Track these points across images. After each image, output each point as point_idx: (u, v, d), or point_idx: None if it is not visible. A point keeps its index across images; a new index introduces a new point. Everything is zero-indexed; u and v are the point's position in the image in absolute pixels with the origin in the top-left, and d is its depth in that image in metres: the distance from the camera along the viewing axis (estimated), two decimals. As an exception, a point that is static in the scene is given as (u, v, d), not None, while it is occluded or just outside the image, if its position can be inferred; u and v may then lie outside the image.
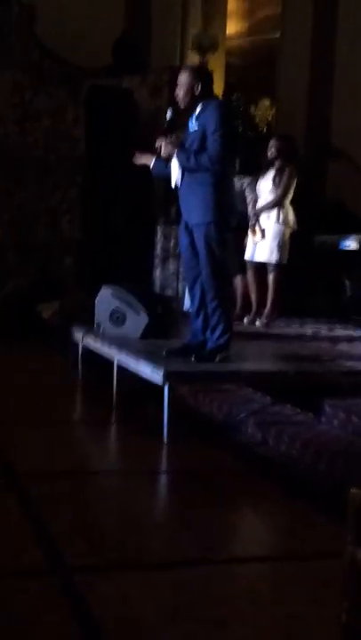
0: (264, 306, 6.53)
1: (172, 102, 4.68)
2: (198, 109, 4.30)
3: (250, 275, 6.64)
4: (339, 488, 2.55)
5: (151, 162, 4.51)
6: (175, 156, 4.31)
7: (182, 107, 4.37)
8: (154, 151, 4.44)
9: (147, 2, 9.98)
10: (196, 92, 4.29)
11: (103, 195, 8.19)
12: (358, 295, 6.82)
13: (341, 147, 9.46)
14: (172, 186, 4.44)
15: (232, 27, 11.98)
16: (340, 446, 3.58)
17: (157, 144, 4.37)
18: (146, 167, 4.57)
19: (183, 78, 4.32)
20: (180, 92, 4.32)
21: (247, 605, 2.29)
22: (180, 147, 4.33)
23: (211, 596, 2.33)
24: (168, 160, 4.39)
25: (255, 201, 6.60)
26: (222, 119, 4.23)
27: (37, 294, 7.59)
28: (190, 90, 4.29)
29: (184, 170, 4.31)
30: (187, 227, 4.43)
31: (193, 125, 4.31)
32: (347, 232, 7.37)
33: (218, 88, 9.24)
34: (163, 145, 4.33)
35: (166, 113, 4.51)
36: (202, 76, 4.37)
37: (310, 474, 3.44)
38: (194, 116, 4.32)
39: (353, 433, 3.79)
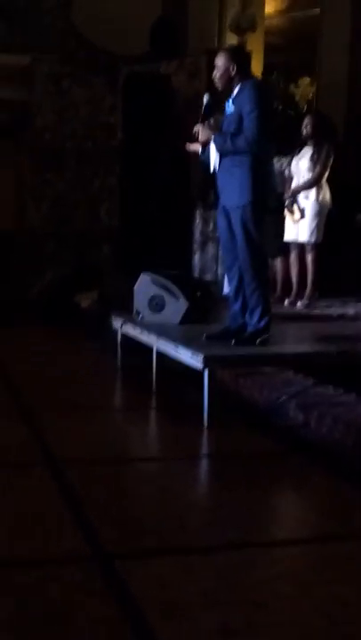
0: (305, 287, 6.47)
1: (211, 86, 4.65)
2: (236, 91, 4.27)
3: (292, 256, 6.57)
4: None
5: (199, 148, 4.47)
6: (212, 140, 4.27)
7: (220, 89, 4.34)
8: (194, 137, 4.41)
9: (184, -16, 9.90)
10: (233, 74, 4.25)
11: (141, 182, 8.18)
12: None
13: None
14: (210, 171, 4.42)
15: (270, 5, 11.81)
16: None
17: (195, 129, 4.35)
18: (194, 153, 4.57)
19: (219, 60, 4.30)
20: (217, 75, 4.30)
21: (288, 588, 2.27)
22: (218, 130, 4.30)
23: (251, 580, 2.32)
24: (206, 145, 4.37)
25: (291, 180, 6.51)
26: (258, 99, 4.19)
27: (76, 283, 7.63)
28: (227, 72, 4.26)
29: (222, 153, 4.28)
30: (224, 210, 4.40)
31: (230, 108, 4.28)
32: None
33: (257, 68, 9.13)
34: (200, 130, 4.32)
35: (203, 97, 4.49)
36: (238, 57, 4.35)
37: (353, 455, 3.39)
38: (231, 99, 4.28)
39: None
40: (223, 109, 4.39)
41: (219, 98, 4.46)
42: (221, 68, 4.27)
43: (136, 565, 2.41)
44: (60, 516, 2.78)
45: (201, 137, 4.33)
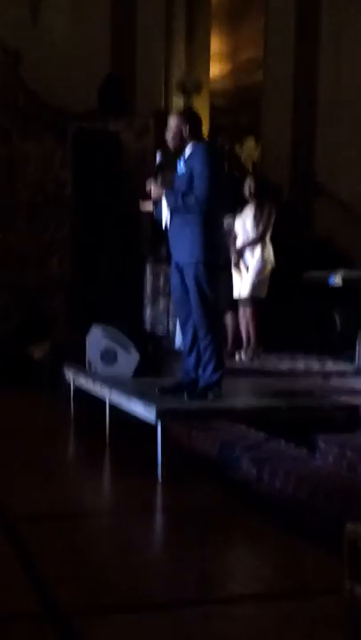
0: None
1: (160, 145, 4.76)
2: (187, 152, 4.38)
3: (241, 311, 6.67)
4: (335, 524, 2.53)
5: (152, 207, 4.55)
6: (164, 197, 4.36)
7: (172, 149, 4.45)
8: (146, 195, 4.49)
9: (132, 45, 10.14)
10: (185, 135, 4.37)
11: (92, 235, 8.24)
12: (348, 330, 6.83)
13: (327, 184, 9.58)
14: (163, 227, 4.49)
15: (216, 69, 12.19)
16: (335, 482, 3.55)
17: (147, 187, 4.43)
18: (148, 212, 4.65)
19: (173, 122, 4.41)
20: (170, 136, 4.41)
21: (247, 645, 2.25)
22: (170, 187, 4.38)
23: (209, 636, 2.30)
24: (158, 201, 4.45)
25: (235, 238, 6.68)
26: (209, 161, 4.30)
27: (28, 335, 7.57)
28: (179, 133, 4.38)
29: (173, 211, 4.36)
30: (177, 266, 4.46)
31: (181, 168, 4.38)
32: (336, 268, 7.42)
33: (203, 129, 9.36)
34: (152, 187, 4.40)
35: (156, 155, 4.58)
36: (190, 119, 4.46)
37: (306, 510, 3.41)
38: (183, 159, 4.38)
39: (348, 468, 3.76)
40: (175, 167, 4.50)
41: (170, 156, 4.57)
42: (174, 128, 4.39)
43: (93, 623, 2.36)
44: (13, 574, 2.72)
45: (153, 194, 4.42)
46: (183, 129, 4.36)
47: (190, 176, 4.30)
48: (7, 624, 2.35)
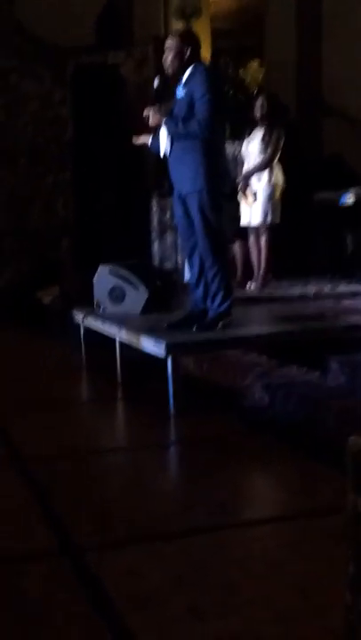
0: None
1: (160, 72, 4.61)
2: (186, 76, 4.25)
3: (251, 240, 6.58)
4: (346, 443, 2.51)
5: (148, 140, 4.44)
6: (163, 123, 4.24)
7: (170, 72, 4.30)
8: (147, 128, 4.37)
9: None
10: (185, 57, 4.23)
11: (95, 174, 8.14)
12: (360, 250, 6.74)
13: (334, 102, 9.33)
14: (161, 155, 4.39)
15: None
16: (347, 402, 3.54)
17: (145, 113, 4.30)
18: (143, 145, 4.54)
19: (171, 43, 4.27)
20: (168, 58, 4.27)
21: (260, 567, 2.27)
22: (169, 115, 4.26)
23: (222, 562, 2.31)
24: (157, 129, 4.33)
25: (243, 163, 6.52)
26: (209, 84, 4.17)
27: (36, 280, 7.58)
28: (178, 55, 4.24)
29: (173, 138, 4.25)
30: (180, 197, 4.38)
31: (180, 92, 4.25)
32: (346, 187, 7.28)
33: (205, 53, 9.11)
34: (150, 114, 4.26)
35: (154, 82, 4.45)
36: (190, 40, 4.32)
37: (320, 432, 3.41)
38: (182, 83, 4.25)
39: (360, 388, 3.75)
40: (174, 95, 4.37)
41: (169, 83, 4.44)
42: (173, 50, 4.24)
43: (107, 557, 2.39)
44: (28, 512, 2.76)
45: (152, 121, 4.28)
46: (183, 50, 4.22)
47: (190, 100, 4.17)
48: (22, 561, 2.39)
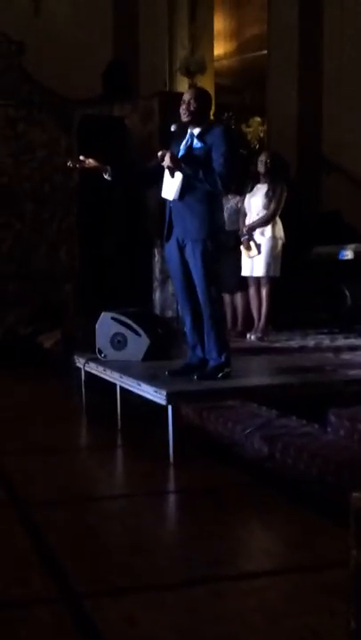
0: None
1: (167, 124, 4.72)
2: (200, 129, 4.35)
3: (251, 291, 6.66)
4: (347, 498, 2.53)
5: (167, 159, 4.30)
6: (182, 168, 4.25)
7: (185, 120, 4.38)
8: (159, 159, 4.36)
9: (134, 28, 10.10)
10: (201, 111, 4.36)
11: (99, 221, 8.25)
12: (359, 304, 6.81)
13: (334, 159, 9.52)
14: (163, 196, 4.42)
15: (220, 47, 12.11)
16: (346, 456, 3.55)
17: (160, 154, 4.28)
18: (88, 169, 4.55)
19: (194, 96, 4.39)
20: (190, 108, 4.35)
21: (259, 620, 2.27)
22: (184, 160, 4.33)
23: (221, 613, 2.31)
24: (167, 171, 4.35)
25: (245, 216, 6.63)
26: (233, 143, 4.35)
27: (38, 324, 7.62)
28: (202, 109, 4.38)
29: (186, 185, 4.29)
30: (179, 243, 4.42)
31: (196, 143, 4.35)
32: (344, 242, 7.39)
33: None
34: (167, 156, 4.24)
35: (171, 126, 4.53)
36: (206, 96, 4.50)
37: (318, 485, 3.42)
38: (194, 134, 4.36)
39: (359, 441, 3.76)
40: (177, 141, 4.45)
41: (183, 129, 4.51)
42: (195, 104, 4.34)
43: (106, 604, 2.39)
44: (28, 558, 2.75)
45: (167, 162, 4.24)
46: (198, 104, 4.35)
47: (206, 153, 4.28)
48: (20, 608, 2.38)
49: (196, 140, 4.36)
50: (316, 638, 2.16)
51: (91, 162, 4.53)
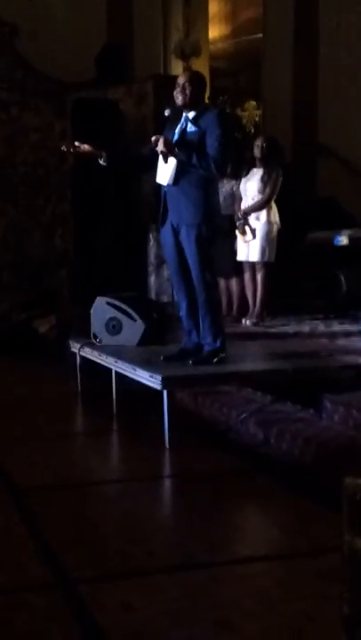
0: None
1: (161, 108, 4.68)
2: (194, 113, 4.33)
3: (246, 276, 6.64)
4: (342, 483, 2.54)
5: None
6: (174, 151, 4.21)
7: (180, 104, 4.35)
8: (152, 144, 4.31)
9: (128, 12, 10.01)
10: (196, 94, 4.33)
11: (94, 207, 8.21)
12: (354, 290, 6.81)
13: (329, 144, 9.48)
14: (158, 181, 4.39)
15: (215, 30, 12.01)
16: (341, 441, 3.57)
17: (154, 139, 4.25)
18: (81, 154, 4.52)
19: (189, 80, 4.36)
20: (185, 92, 4.32)
21: (254, 605, 2.28)
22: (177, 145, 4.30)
23: (216, 598, 2.32)
24: (159, 156, 4.32)
25: (240, 201, 6.61)
26: (228, 127, 4.34)
27: (33, 310, 7.60)
28: (198, 93, 4.35)
29: (180, 169, 4.26)
30: (172, 228, 4.40)
31: (190, 127, 4.32)
32: (339, 228, 7.37)
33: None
34: (161, 141, 4.20)
35: (164, 110, 4.49)
36: (201, 79, 4.47)
37: (313, 470, 3.43)
38: (189, 118, 4.33)
39: (354, 427, 3.77)
40: (172, 125, 4.42)
41: (177, 113, 4.47)
42: (191, 87, 4.31)
43: (101, 589, 2.39)
44: (23, 544, 2.75)
45: (161, 147, 4.19)
46: (193, 88, 4.32)
47: (201, 137, 4.25)
48: (16, 594, 2.38)
49: (190, 124, 4.33)
50: (311, 623, 2.17)
51: (85, 147, 4.49)
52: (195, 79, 4.40)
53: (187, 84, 4.33)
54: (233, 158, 6.15)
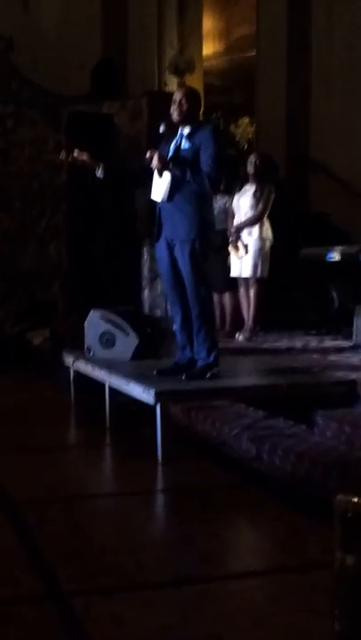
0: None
1: (156, 123, 4.71)
2: (189, 129, 4.36)
3: (241, 291, 6.67)
4: (334, 498, 2.55)
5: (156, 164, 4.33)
6: (170, 168, 4.27)
7: (176, 120, 4.39)
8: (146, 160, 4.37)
9: (123, 27, 10.08)
10: (190, 111, 4.37)
11: (88, 220, 8.23)
12: (346, 306, 6.84)
13: (322, 161, 9.54)
14: (153, 197, 4.43)
15: (209, 47, 12.10)
16: (333, 457, 3.58)
17: (148, 155, 4.30)
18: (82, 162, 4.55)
19: (185, 96, 4.39)
20: (181, 108, 4.36)
21: (245, 620, 2.29)
22: (169, 161, 4.33)
23: (208, 613, 2.33)
24: (149, 174, 4.38)
25: (233, 217, 6.65)
26: (221, 144, 4.35)
27: (27, 322, 7.60)
28: (194, 109, 4.40)
29: (175, 185, 4.30)
30: (167, 243, 4.43)
31: (185, 143, 4.36)
32: (332, 244, 7.41)
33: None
34: (155, 156, 4.25)
35: (160, 126, 4.52)
36: (195, 96, 4.51)
37: (306, 486, 3.44)
38: (183, 134, 4.37)
39: (346, 443, 3.79)
40: (167, 141, 4.46)
41: (173, 129, 4.51)
42: (186, 103, 4.35)
43: (93, 603, 2.39)
44: (16, 557, 2.75)
45: (155, 163, 4.26)
46: (188, 104, 4.35)
47: (195, 153, 4.28)
48: (7, 606, 2.38)
49: (184, 141, 4.37)
50: (302, 639, 2.17)
51: (84, 156, 4.52)
52: (191, 95, 4.45)
53: (183, 99, 4.37)
54: (227, 174, 6.19)
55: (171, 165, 4.28)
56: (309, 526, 3.05)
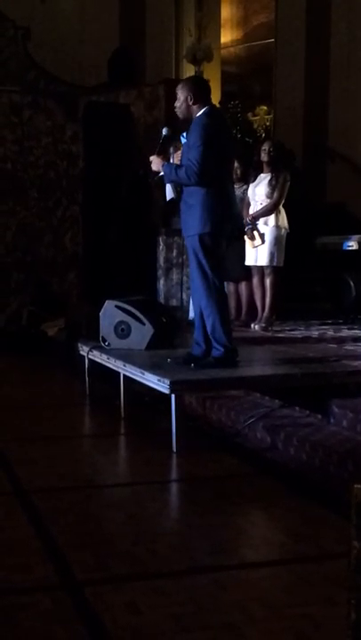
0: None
1: (171, 115, 4.72)
2: (190, 124, 4.35)
3: (255, 280, 6.64)
4: (350, 489, 2.54)
5: (158, 166, 4.45)
6: (162, 170, 4.34)
7: (180, 118, 4.40)
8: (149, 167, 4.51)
9: (141, 16, 10.06)
10: (190, 104, 4.32)
11: (104, 209, 8.23)
12: (362, 295, 6.80)
13: (339, 149, 9.47)
14: (167, 199, 4.49)
15: (227, 35, 12.04)
16: (349, 447, 3.56)
17: (151, 159, 4.42)
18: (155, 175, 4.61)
19: (179, 91, 4.37)
20: (177, 105, 4.37)
21: (259, 609, 2.28)
22: (168, 161, 4.39)
23: (222, 602, 2.32)
24: (158, 175, 4.45)
25: (248, 206, 6.60)
26: (204, 133, 4.21)
27: (42, 311, 7.63)
28: (185, 101, 4.33)
29: (169, 183, 4.34)
30: (186, 238, 4.48)
31: (183, 140, 4.37)
32: (349, 233, 7.37)
33: (215, 97, 9.28)
34: (153, 160, 4.40)
35: (162, 130, 4.54)
36: (196, 87, 4.39)
37: (321, 476, 3.42)
38: (183, 135, 4.37)
39: (362, 432, 3.77)
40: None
41: (179, 129, 4.54)
42: (181, 98, 4.35)
43: (107, 592, 2.40)
44: (30, 545, 2.76)
45: (153, 166, 4.42)
46: (188, 97, 4.31)
47: (189, 147, 4.28)
48: (22, 594, 2.39)
49: (183, 139, 4.40)
50: (316, 628, 2.16)
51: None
52: (189, 88, 4.32)
53: (181, 96, 4.33)
54: (233, 161, 6.09)
55: (163, 166, 4.34)
56: (324, 516, 3.05)
